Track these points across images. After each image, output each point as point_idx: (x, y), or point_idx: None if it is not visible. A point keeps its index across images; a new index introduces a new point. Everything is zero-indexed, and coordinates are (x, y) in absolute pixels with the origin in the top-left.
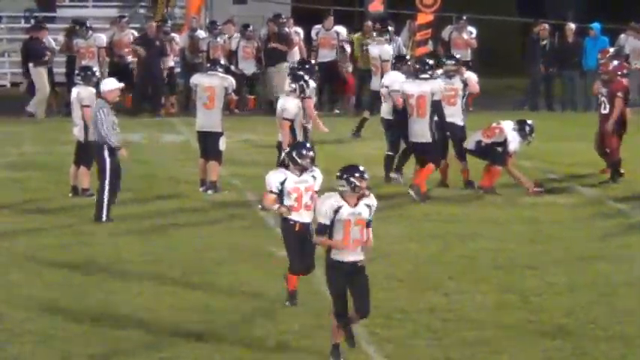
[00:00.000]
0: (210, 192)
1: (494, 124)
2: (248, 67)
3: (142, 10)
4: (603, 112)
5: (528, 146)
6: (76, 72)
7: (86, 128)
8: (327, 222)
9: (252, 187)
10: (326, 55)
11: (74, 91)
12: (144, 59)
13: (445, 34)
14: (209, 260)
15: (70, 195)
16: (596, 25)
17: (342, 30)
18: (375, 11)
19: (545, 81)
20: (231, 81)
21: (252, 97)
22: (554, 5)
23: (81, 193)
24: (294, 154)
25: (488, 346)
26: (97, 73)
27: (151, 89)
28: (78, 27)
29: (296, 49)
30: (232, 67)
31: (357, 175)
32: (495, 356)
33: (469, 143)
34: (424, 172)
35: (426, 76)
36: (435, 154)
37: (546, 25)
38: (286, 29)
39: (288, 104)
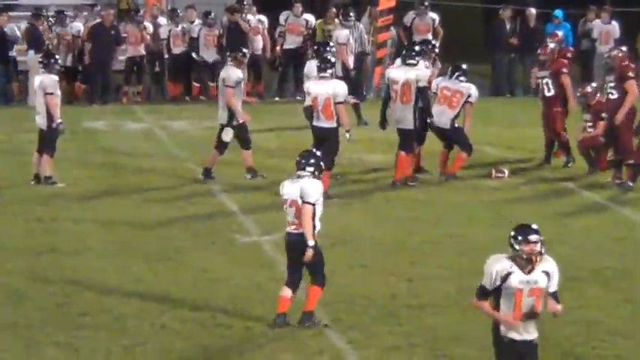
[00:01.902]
0: (248, 177)
1: (448, 94)
2: (209, 55)
3: None
4: (548, 94)
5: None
6: (39, 60)
7: (49, 116)
8: (490, 288)
9: (215, 174)
10: (293, 41)
11: (37, 79)
12: (97, 48)
13: (407, 19)
14: (172, 248)
15: (33, 183)
16: (558, 12)
17: (311, 18)
18: None
19: (508, 66)
20: (231, 74)
21: (213, 85)
22: None
23: (43, 180)
24: None
25: (450, 332)
26: (60, 61)
27: (101, 78)
28: (56, 15)
29: (258, 37)
30: (194, 55)
31: (520, 238)
32: (458, 342)
33: (443, 122)
34: (400, 164)
35: (413, 62)
36: (413, 141)
37: (509, 11)
38: (249, 17)
39: (339, 89)
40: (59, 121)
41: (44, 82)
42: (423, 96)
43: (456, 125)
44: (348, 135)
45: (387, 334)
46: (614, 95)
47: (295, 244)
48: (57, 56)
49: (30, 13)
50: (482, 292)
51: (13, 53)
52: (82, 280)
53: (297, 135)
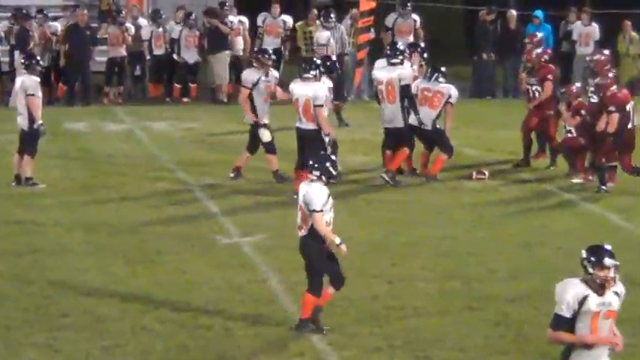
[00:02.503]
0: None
1: (429, 95)
2: (190, 56)
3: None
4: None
5: (466, 130)
6: (21, 60)
7: (30, 117)
8: (569, 315)
9: (195, 175)
10: (272, 42)
11: (18, 79)
12: (72, 49)
13: (389, 21)
14: (152, 249)
15: (13, 184)
16: (539, 13)
17: (288, 19)
18: None
19: (489, 68)
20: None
21: (194, 86)
22: None
23: (24, 182)
24: None
25: (431, 334)
26: (42, 62)
27: (80, 79)
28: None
29: (239, 38)
30: (175, 56)
31: (594, 260)
32: (438, 344)
33: (425, 124)
34: (398, 157)
35: (396, 61)
36: (408, 138)
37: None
38: (231, 17)
39: (319, 91)
40: (40, 122)
41: (25, 82)
42: (407, 94)
43: (437, 126)
44: (327, 139)
45: (367, 336)
46: (595, 99)
47: (300, 248)
48: (38, 57)
49: (9, 14)
50: (559, 321)
51: None
52: (63, 281)
53: (278, 136)
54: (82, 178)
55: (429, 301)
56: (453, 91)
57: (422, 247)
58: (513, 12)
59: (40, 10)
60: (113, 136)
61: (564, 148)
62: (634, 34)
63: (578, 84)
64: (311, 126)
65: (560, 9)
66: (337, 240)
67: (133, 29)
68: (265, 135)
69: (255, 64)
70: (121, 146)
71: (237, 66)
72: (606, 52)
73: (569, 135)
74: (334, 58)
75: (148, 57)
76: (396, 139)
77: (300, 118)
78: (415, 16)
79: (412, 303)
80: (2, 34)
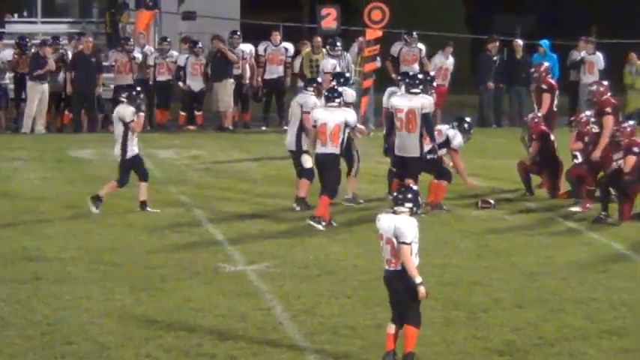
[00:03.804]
0: (297, 208)
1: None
2: (196, 84)
3: (91, 27)
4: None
5: (472, 159)
6: (123, 91)
7: (124, 146)
8: None
9: (201, 203)
10: (274, 71)
11: (116, 109)
12: (78, 76)
13: (394, 50)
14: (157, 276)
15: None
16: (545, 42)
17: (289, 46)
18: (328, 27)
19: (494, 97)
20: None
21: (199, 114)
22: (503, 22)
23: (139, 206)
24: None
25: None
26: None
27: (85, 107)
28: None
29: (246, 66)
30: (180, 84)
31: None
32: None
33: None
34: (441, 189)
35: (417, 90)
36: (444, 169)
37: (497, 42)
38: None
39: (350, 117)
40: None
41: (120, 112)
42: (427, 123)
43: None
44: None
45: None
46: (596, 129)
47: (392, 281)
48: (138, 88)
49: (15, 41)
50: None
51: (5, 81)
52: (66, 308)
53: (281, 164)
54: (86, 206)
55: (434, 330)
56: (457, 138)
57: (426, 276)
58: (519, 41)
59: (55, 37)
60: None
61: (571, 175)
62: None
63: (587, 112)
64: (333, 150)
65: (566, 38)
66: (419, 279)
67: (140, 57)
68: (309, 161)
69: (311, 92)
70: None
71: (242, 95)
72: (605, 82)
73: (576, 162)
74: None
75: (151, 82)
76: (410, 168)
77: (326, 143)
78: (421, 45)
79: (424, 332)
80: (6, 62)
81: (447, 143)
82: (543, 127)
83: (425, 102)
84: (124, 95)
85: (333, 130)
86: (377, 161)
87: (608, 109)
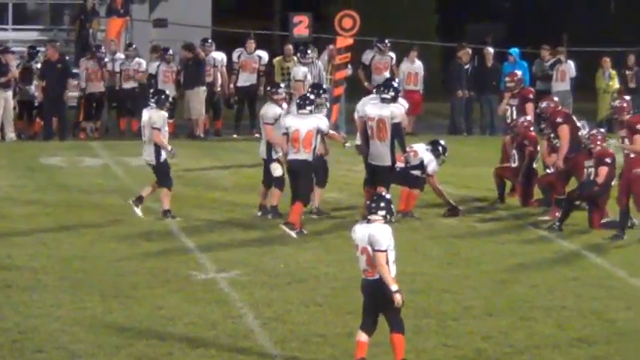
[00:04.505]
0: (269, 216)
1: (407, 148)
2: (167, 92)
3: (63, 34)
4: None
5: (442, 167)
6: (150, 95)
7: (157, 150)
8: None
9: (172, 211)
10: (247, 78)
11: (145, 114)
12: (47, 84)
13: (366, 58)
14: (128, 284)
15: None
16: (514, 51)
17: (264, 54)
18: (300, 35)
19: (465, 105)
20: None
21: (171, 122)
22: (475, 30)
23: (162, 214)
24: None
25: None
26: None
27: (56, 114)
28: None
29: (218, 73)
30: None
31: None
32: None
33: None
34: (412, 198)
35: (388, 97)
36: (388, 178)
37: (468, 50)
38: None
39: (323, 124)
40: (169, 149)
41: (152, 117)
42: (397, 134)
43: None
44: (348, 144)
45: None
46: (558, 142)
47: (369, 290)
48: (167, 92)
49: None
50: None
51: None
52: (37, 316)
53: (252, 172)
54: (57, 213)
55: (405, 338)
56: (432, 164)
57: (397, 284)
58: (490, 49)
59: (32, 47)
60: (89, 171)
61: (542, 183)
62: (613, 71)
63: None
64: (306, 157)
65: (537, 47)
66: (394, 287)
67: (110, 65)
68: (278, 169)
69: (274, 99)
70: (97, 181)
71: (214, 102)
72: (556, 99)
73: (548, 171)
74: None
75: (117, 88)
76: (381, 176)
77: (298, 149)
78: (391, 53)
79: (387, 340)
80: None
81: (421, 166)
82: (534, 133)
83: (395, 111)
84: (152, 100)
85: (305, 136)
86: (348, 169)
87: (560, 119)
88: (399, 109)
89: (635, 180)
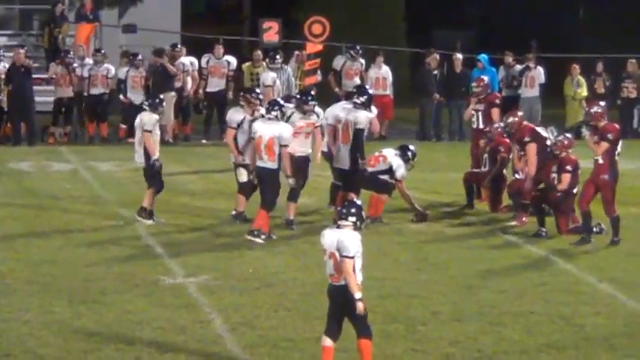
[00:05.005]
0: (237, 222)
1: (376, 153)
2: (136, 97)
3: (32, 39)
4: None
5: (411, 172)
6: (145, 99)
7: (147, 152)
8: None
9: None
10: (216, 83)
11: (138, 117)
12: (14, 89)
13: (337, 64)
14: (96, 289)
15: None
16: (483, 57)
17: (232, 59)
18: (270, 41)
19: (434, 111)
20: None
21: None
22: (444, 36)
23: (141, 212)
24: None
25: None
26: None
27: (24, 119)
28: None
29: (189, 79)
30: (121, 97)
31: None
32: None
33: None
34: (380, 203)
35: (358, 102)
36: (355, 182)
37: (436, 55)
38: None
39: (285, 132)
40: (155, 157)
41: (144, 119)
42: (356, 139)
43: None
44: (290, 181)
45: None
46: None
47: (335, 295)
48: (161, 97)
49: None
50: None
51: None
52: (5, 320)
53: (221, 178)
54: (26, 218)
55: (372, 343)
56: (400, 169)
57: (366, 289)
58: (459, 55)
59: None
60: (58, 175)
61: (511, 189)
62: (581, 77)
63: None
64: (270, 165)
65: (505, 53)
66: (358, 294)
67: (79, 70)
68: (243, 175)
69: (241, 103)
70: (65, 186)
71: (183, 107)
72: (520, 113)
73: (517, 176)
74: (279, 99)
75: (85, 94)
76: (347, 180)
77: (262, 156)
78: (362, 60)
79: (355, 345)
80: None
81: (390, 171)
82: (507, 140)
83: (360, 117)
84: (146, 103)
85: (267, 142)
86: (317, 174)
87: (527, 138)
88: (364, 117)
89: (603, 186)
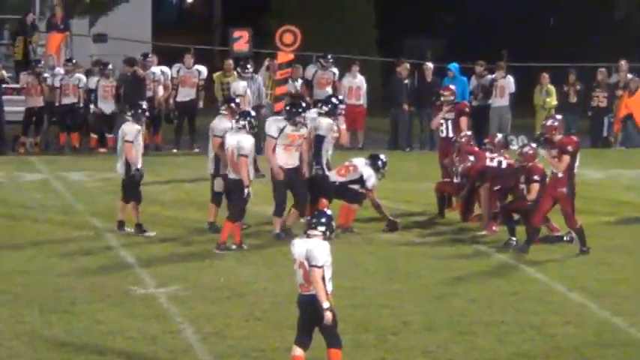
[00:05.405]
0: (209, 232)
1: (346, 163)
2: (107, 107)
3: (2, 49)
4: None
5: (381, 181)
6: (129, 109)
7: (128, 164)
8: None
9: (112, 226)
10: (186, 93)
11: (121, 127)
12: None
13: (308, 73)
14: (67, 299)
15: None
16: (454, 66)
17: (202, 69)
18: (240, 50)
19: (406, 120)
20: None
21: (110, 136)
22: (414, 45)
23: (135, 230)
24: None
25: None
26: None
27: None
28: None
29: (161, 88)
30: (92, 107)
31: None
32: None
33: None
34: (351, 213)
35: (322, 111)
36: (326, 189)
37: (407, 64)
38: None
39: (245, 142)
40: (137, 167)
41: (124, 129)
42: (316, 144)
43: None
44: (246, 190)
45: None
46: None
47: (304, 305)
48: (144, 106)
49: None
50: None
51: None
52: None
53: (192, 187)
54: None
55: (343, 353)
56: (371, 179)
57: (337, 299)
58: (429, 64)
59: None
60: (29, 185)
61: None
62: (550, 86)
63: (499, 135)
64: (234, 176)
65: (476, 62)
66: (326, 304)
67: (50, 79)
68: (218, 185)
69: (224, 113)
70: (36, 196)
71: (155, 117)
72: (468, 132)
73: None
74: (249, 108)
75: (57, 104)
76: (316, 187)
77: (227, 167)
78: (334, 69)
79: (324, 355)
80: None
81: (360, 181)
82: (476, 148)
83: (322, 123)
84: (129, 113)
85: (231, 153)
86: None
87: (471, 159)
88: (325, 123)
89: (562, 199)
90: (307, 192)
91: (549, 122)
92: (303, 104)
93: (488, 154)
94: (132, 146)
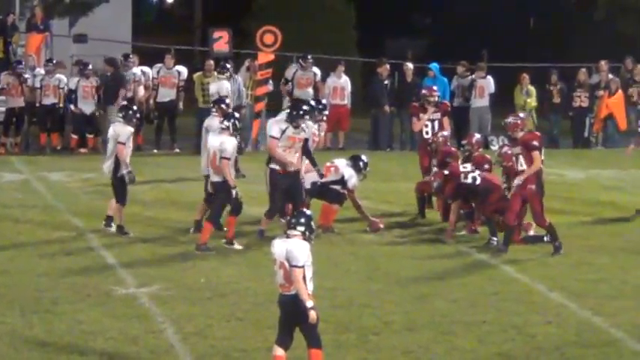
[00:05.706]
0: (191, 231)
1: (328, 164)
2: (87, 107)
3: None
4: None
5: (362, 182)
6: (119, 110)
7: (116, 165)
8: None
9: (92, 225)
10: (166, 93)
11: (111, 128)
12: None
13: (289, 73)
14: (48, 299)
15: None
16: (434, 66)
17: (183, 70)
18: (220, 50)
19: (386, 121)
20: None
21: (91, 137)
22: (395, 45)
23: (116, 230)
24: None
25: None
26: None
27: None
28: None
29: (141, 88)
30: (72, 107)
31: None
32: None
33: (305, 184)
34: (332, 213)
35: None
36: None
37: (387, 65)
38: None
39: (228, 144)
40: (128, 169)
41: (117, 131)
42: (305, 148)
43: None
44: (233, 191)
45: None
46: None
47: (285, 305)
48: (135, 108)
49: None
50: None
51: None
52: None
53: (172, 187)
54: None
55: (325, 353)
56: (352, 179)
57: (318, 299)
58: (410, 65)
59: None
60: (9, 186)
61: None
62: (531, 87)
63: (478, 135)
64: (216, 178)
65: (457, 62)
66: (310, 303)
67: (31, 79)
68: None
69: (215, 113)
70: (17, 196)
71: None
72: (445, 133)
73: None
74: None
75: (37, 105)
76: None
77: (210, 170)
78: (315, 69)
79: (303, 355)
80: None
81: (342, 181)
82: (453, 149)
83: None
84: (120, 115)
85: (212, 155)
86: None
87: (449, 159)
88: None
89: (531, 197)
90: (304, 199)
91: (511, 119)
92: (305, 107)
93: (462, 168)
94: (124, 148)
